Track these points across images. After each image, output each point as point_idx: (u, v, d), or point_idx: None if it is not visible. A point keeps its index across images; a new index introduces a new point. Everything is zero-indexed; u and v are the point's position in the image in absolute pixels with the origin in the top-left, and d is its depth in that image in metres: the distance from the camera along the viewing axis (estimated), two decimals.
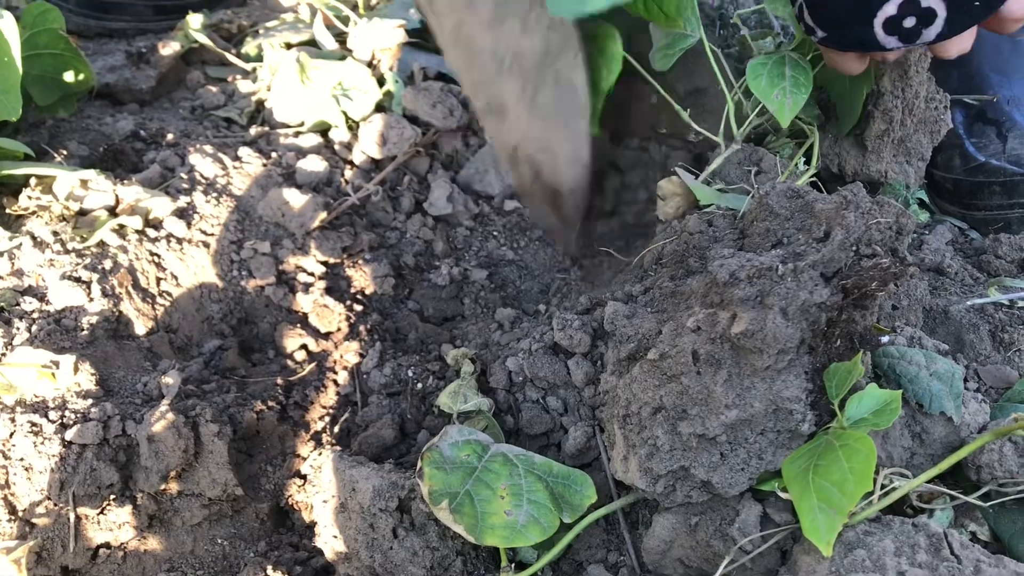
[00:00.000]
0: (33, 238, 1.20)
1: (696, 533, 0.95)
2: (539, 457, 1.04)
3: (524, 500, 0.98)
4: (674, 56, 1.30)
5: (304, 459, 1.17)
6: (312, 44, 1.72)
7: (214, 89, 1.69)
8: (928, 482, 0.93)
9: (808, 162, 1.30)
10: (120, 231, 1.24)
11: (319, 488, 1.07)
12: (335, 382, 1.25)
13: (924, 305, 1.18)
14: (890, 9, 1.03)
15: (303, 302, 1.33)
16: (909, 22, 1.04)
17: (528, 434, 1.13)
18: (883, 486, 0.89)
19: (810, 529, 0.84)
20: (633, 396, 0.96)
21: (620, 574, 1.01)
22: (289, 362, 1.28)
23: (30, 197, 1.24)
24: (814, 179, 1.33)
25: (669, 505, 0.96)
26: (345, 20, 1.77)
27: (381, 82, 1.62)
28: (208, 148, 1.42)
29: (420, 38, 1.80)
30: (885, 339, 0.95)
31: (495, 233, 1.52)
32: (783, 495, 0.91)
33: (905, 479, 0.90)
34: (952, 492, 0.93)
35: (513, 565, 1.00)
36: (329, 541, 1.04)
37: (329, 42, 1.70)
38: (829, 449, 0.87)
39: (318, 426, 1.19)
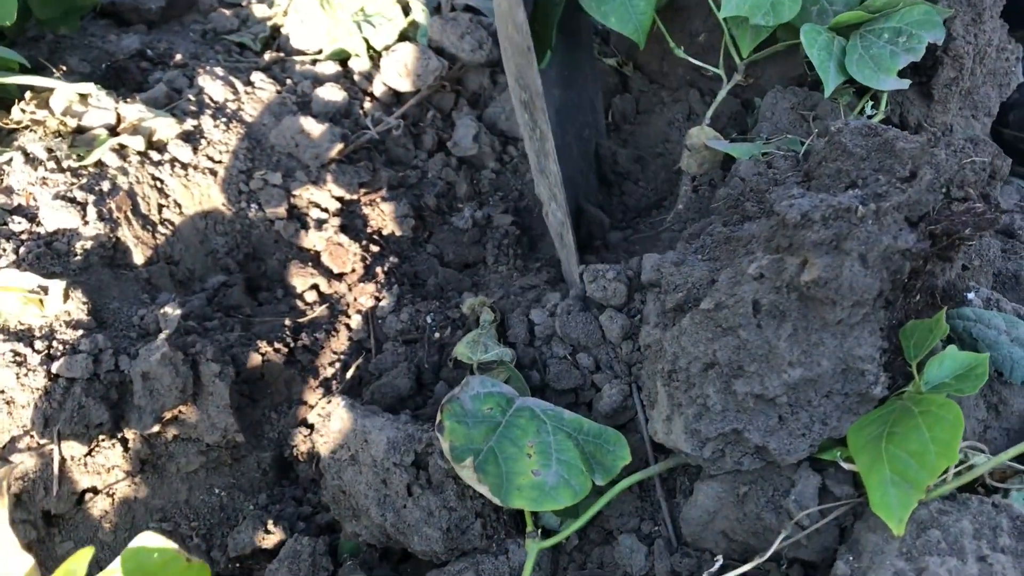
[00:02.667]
0: (25, 154, 1.10)
1: (744, 504, 0.85)
2: (569, 413, 0.95)
3: (553, 459, 0.89)
4: None
5: (311, 407, 1.08)
6: None
7: (227, 13, 1.58)
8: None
9: (876, 107, 1.19)
10: (121, 151, 1.14)
11: (327, 438, 0.97)
12: (347, 326, 1.15)
13: (995, 268, 1.08)
14: None
15: (315, 239, 1.23)
16: None
17: (555, 389, 1.03)
18: (964, 466, 0.79)
19: (880, 504, 0.75)
20: (681, 350, 0.86)
21: (655, 546, 0.91)
22: (298, 303, 1.18)
23: (24, 111, 1.14)
24: None
25: (716, 472, 0.87)
26: None
27: (407, 10, 1.51)
28: (219, 71, 1.32)
29: None
30: (971, 295, 0.85)
31: (523, 177, 1.42)
32: (846, 466, 0.82)
33: (982, 455, 0.80)
34: None
35: (539, 531, 0.90)
36: (336, 496, 0.95)
37: None
38: (906, 415, 0.77)
39: (328, 372, 1.10)
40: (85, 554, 0.66)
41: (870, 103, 1.24)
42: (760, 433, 0.82)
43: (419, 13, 1.49)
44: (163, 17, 1.58)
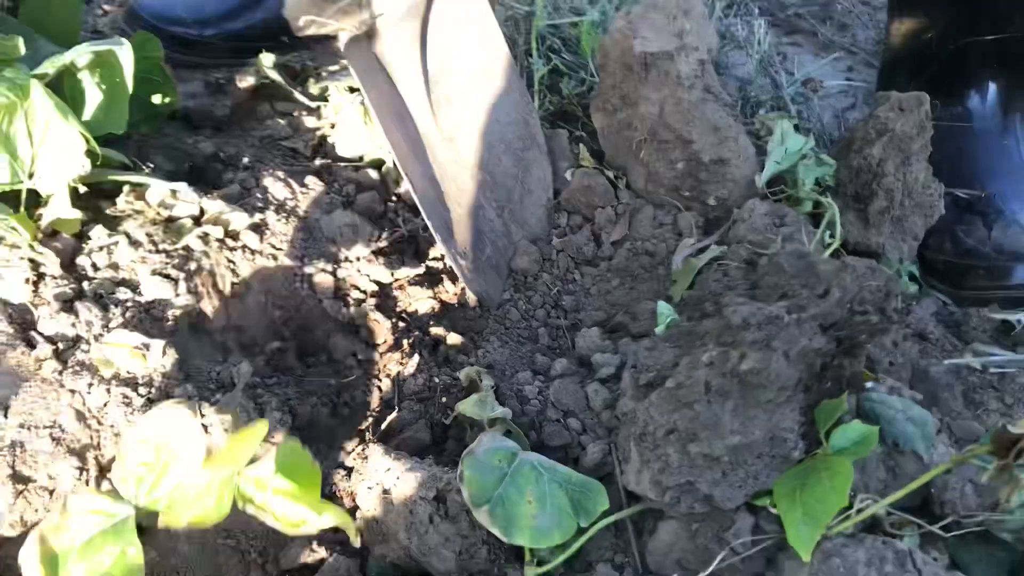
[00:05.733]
0: (128, 237, 1.36)
1: (696, 538, 1.09)
2: (561, 467, 1.19)
3: (548, 505, 1.13)
4: None
5: (349, 453, 1.31)
6: None
7: (282, 122, 1.86)
8: (901, 510, 1.08)
9: (832, 235, 1.47)
10: (204, 239, 1.40)
11: (364, 476, 1.21)
12: (379, 388, 1.40)
13: (913, 364, 1.34)
14: None
15: (355, 315, 1.48)
16: None
17: (548, 446, 1.28)
18: (859, 509, 1.04)
19: (794, 538, 1.00)
20: (650, 418, 1.11)
21: (625, 573, 1.15)
22: (340, 367, 1.43)
23: (127, 202, 1.41)
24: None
25: (674, 514, 1.11)
26: None
27: None
28: (280, 173, 1.59)
29: None
30: (869, 384, 1.10)
31: None
32: (773, 510, 1.06)
33: (876, 503, 1.05)
34: (919, 521, 1.07)
35: (536, 560, 1.14)
36: (370, 523, 1.18)
37: None
38: (814, 471, 1.02)
39: (362, 425, 1.34)
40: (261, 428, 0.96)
41: (827, 232, 1.52)
42: (707, 484, 1.06)
43: None
44: (228, 122, 1.86)
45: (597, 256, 1.67)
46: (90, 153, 1.32)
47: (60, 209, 1.31)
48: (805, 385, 1.05)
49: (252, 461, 1.00)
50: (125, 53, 1.40)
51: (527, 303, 1.62)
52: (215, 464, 0.99)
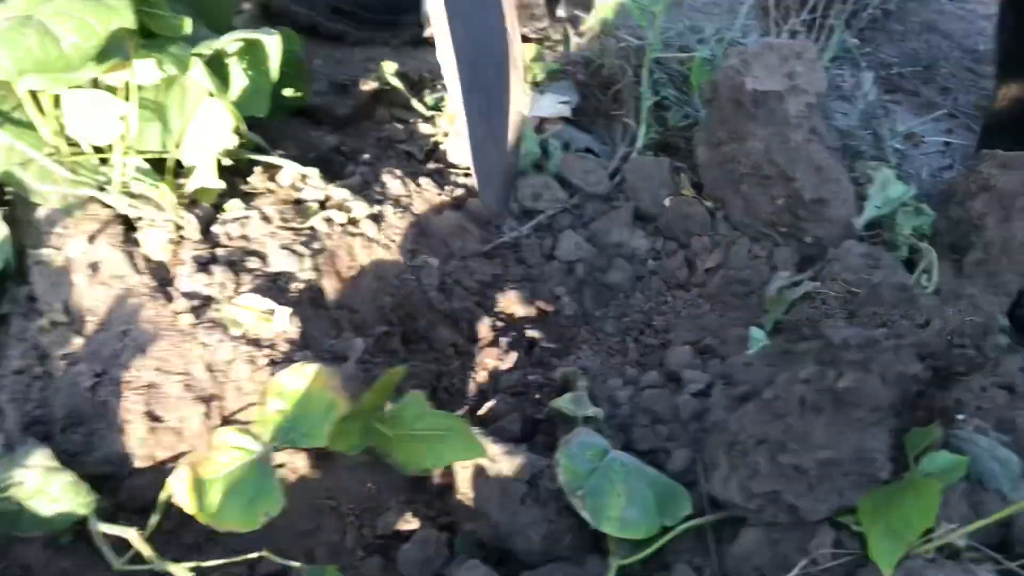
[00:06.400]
0: (261, 212, 1.46)
1: (776, 547, 1.13)
2: (649, 468, 1.24)
3: (635, 501, 1.19)
4: None
5: None
6: None
7: (399, 126, 1.96)
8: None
9: (929, 280, 1.50)
10: (328, 222, 1.49)
11: None
12: (475, 379, 1.47)
13: (1001, 413, 1.37)
14: None
15: (458, 310, 1.56)
16: None
17: (635, 448, 1.33)
18: (941, 535, 1.07)
19: (876, 552, 1.04)
20: (742, 428, 1.16)
21: (703, 574, 1.19)
22: (440, 356, 1.51)
23: (260, 181, 1.51)
24: None
25: (757, 522, 1.15)
26: None
27: (543, 147, 1.87)
28: (397, 171, 1.68)
29: (576, 117, 2.06)
30: (960, 416, 1.14)
31: None
32: (856, 528, 1.10)
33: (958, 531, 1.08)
34: (998, 557, 1.10)
35: (619, 554, 1.19)
36: (463, 499, 1.25)
37: None
38: (901, 491, 1.07)
39: (459, 411, 1.41)
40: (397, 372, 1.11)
41: (924, 275, 1.55)
42: (793, 495, 1.11)
43: (554, 151, 1.85)
44: (347, 121, 1.97)
45: (690, 282, 1.73)
46: (236, 131, 1.43)
47: (206, 179, 1.41)
48: (897, 409, 1.09)
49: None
50: (273, 43, 1.51)
51: (621, 318, 1.67)
52: (362, 400, 1.13)
